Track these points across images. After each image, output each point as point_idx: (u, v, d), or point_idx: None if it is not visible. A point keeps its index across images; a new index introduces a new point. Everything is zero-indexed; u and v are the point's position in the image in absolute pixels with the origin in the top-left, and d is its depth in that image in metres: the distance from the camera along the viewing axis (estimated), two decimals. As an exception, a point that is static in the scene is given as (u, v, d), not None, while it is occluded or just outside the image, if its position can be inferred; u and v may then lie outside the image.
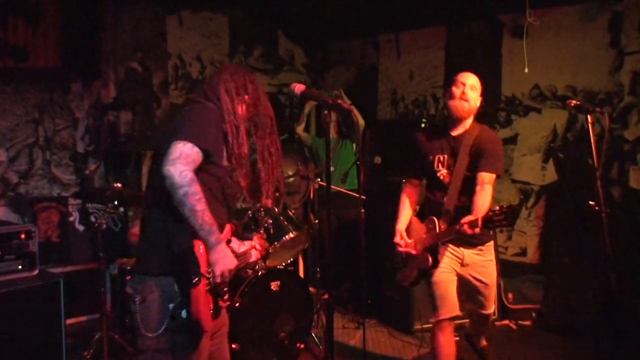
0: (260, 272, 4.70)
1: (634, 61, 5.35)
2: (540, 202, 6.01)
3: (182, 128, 2.80)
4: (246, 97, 3.05)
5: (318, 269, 5.70)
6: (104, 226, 4.72)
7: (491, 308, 4.25)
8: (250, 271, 4.78)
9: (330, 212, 3.03)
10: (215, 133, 2.89)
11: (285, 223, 4.98)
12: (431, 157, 4.00)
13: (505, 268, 5.91)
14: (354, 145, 6.56)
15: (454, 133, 3.95)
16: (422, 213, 4.14)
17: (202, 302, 2.76)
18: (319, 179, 5.66)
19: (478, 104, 3.95)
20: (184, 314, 2.73)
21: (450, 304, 3.96)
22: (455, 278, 4.01)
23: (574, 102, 3.75)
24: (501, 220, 3.38)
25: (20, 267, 4.09)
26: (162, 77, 6.64)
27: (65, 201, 5.94)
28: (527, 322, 5.77)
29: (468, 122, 3.95)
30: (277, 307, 4.77)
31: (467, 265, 3.98)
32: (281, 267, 5.16)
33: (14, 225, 4.36)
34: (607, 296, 4.39)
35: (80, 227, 6.01)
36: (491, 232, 3.91)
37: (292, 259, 5.45)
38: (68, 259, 5.79)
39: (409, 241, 3.98)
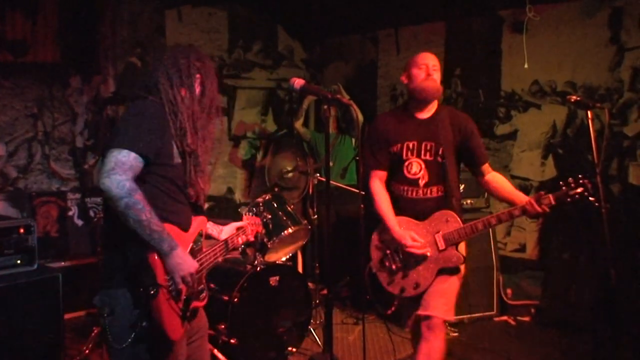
0: (259, 267, 4.70)
1: (633, 57, 5.35)
2: (539, 198, 6.01)
3: (117, 133, 2.60)
4: (190, 80, 2.83)
5: (317, 265, 5.70)
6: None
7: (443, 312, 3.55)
8: (249, 266, 4.78)
9: (330, 208, 3.02)
10: (156, 132, 2.67)
11: (284, 218, 4.98)
12: (399, 144, 3.69)
13: (504, 264, 5.92)
14: (353, 140, 6.56)
15: (422, 116, 3.71)
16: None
17: (164, 312, 2.63)
18: (318, 174, 5.66)
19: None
20: (144, 322, 2.62)
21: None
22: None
23: (574, 97, 3.73)
24: (581, 193, 3.30)
25: (19, 261, 4.09)
26: (161, 72, 6.62)
27: (64, 196, 5.93)
28: (526, 318, 5.78)
29: (434, 104, 3.73)
30: (276, 302, 4.78)
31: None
32: (280, 262, 5.17)
33: (13, 220, 4.35)
34: (606, 292, 4.39)
35: (79, 222, 6.01)
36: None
37: (291, 254, 5.45)
38: (67, 254, 5.78)
39: (422, 241, 3.60)
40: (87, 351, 4.63)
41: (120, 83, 6.30)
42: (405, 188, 3.70)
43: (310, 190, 5.79)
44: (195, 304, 2.84)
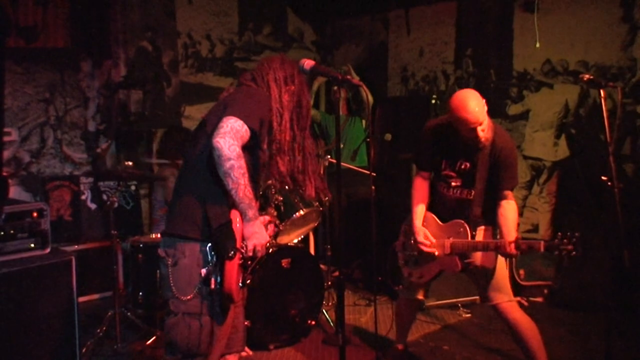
0: (271, 250, 4.72)
1: (647, 35, 5.30)
2: (552, 178, 5.99)
3: (235, 105, 2.89)
4: (292, 87, 3.15)
5: (329, 246, 5.70)
6: (116, 204, 4.74)
7: (496, 297, 3.88)
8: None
9: (341, 190, 3.02)
10: (263, 116, 2.98)
11: (296, 200, 4.98)
12: (440, 156, 3.95)
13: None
14: (364, 122, 6.53)
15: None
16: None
17: (234, 274, 2.86)
18: (329, 156, 5.64)
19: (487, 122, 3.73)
20: (218, 279, 2.85)
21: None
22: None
23: (587, 76, 3.70)
24: (570, 250, 3.42)
25: (32, 245, 4.11)
26: (172, 56, 6.63)
27: (77, 180, 5.97)
28: (539, 299, 5.77)
29: None
30: (288, 284, 4.79)
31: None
32: (292, 244, 5.17)
33: (26, 204, 4.37)
34: (619, 273, 4.37)
35: (92, 206, 6.03)
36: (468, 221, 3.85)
37: (302, 237, 5.46)
38: (80, 237, 5.83)
39: (433, 240, 3.90)
40: (101, 334, 4.67)
41: (131, 67, 6.30)
42: (442, 184, 3.98)
43: (321, 172, 5.77)
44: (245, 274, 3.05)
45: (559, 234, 3.45)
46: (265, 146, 3.10)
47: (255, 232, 2.90)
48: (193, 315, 2.90)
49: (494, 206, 3.81)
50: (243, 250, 2.90)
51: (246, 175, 2.79)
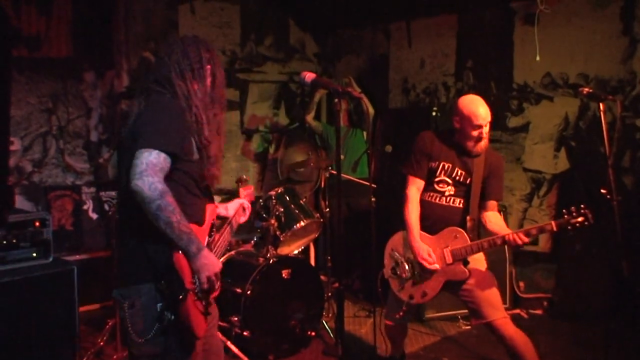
0: (271, 260, 4.73)
1: (646, 49, 5.33)
2: (552, 191, 6.00)
3: (144, 132, 2.59)
4: (202, 71, 2.82)
5: (329, 257, 5.72)
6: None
7: (491, 314, 3.81)
8: (261, 259, 4.81)
9: (341, 201, 3.04)
10: (180, 129, 2.69)
11: (297, 211, 5.00)
12: (438, 162, 3.97)
13: (516, 257, 5.92)
14: (365, 133, 6.56)
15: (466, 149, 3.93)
16: None
17: (192, 313, 2.68)
18: (330, 167, 5.67)
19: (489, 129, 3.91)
20: (171, 316, 2.64)
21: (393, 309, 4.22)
22: None
23: (586, 89, 3.74)
24: (582, 221, 3.46)
25: (34, 254, 4.14)
26: (175, 67, 6.64)
27: (79, 189, 5.99)
28: (539, 311, 5.78)
29: None
30: (288, 295, 4.81)
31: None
32: (292, 255, 5.19)
33: (28, 214, 4.40)
34: (619, 284, 4.38)
35: (94, 215, 6.05)
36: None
37: (303, 247, 5.47)
38: (82, 247, 5.85)
39: (434, 258, 3.87)
40: (101, 343, 4.68)
41: (134, 77, 6.33)
42: (432, 194, 4.01)
43: (322, 183, 5.79)
44: (212, 295, 2.88)
45: (564, 210, 3.51)
46: (196, 155, 2.79)
47: (204, 264, 2.67)
48: (157, 358, 2.71)
49: (478, 222, 3.95)
50: (195, 287, 2.69)
51: (176, 211, 2.53)
